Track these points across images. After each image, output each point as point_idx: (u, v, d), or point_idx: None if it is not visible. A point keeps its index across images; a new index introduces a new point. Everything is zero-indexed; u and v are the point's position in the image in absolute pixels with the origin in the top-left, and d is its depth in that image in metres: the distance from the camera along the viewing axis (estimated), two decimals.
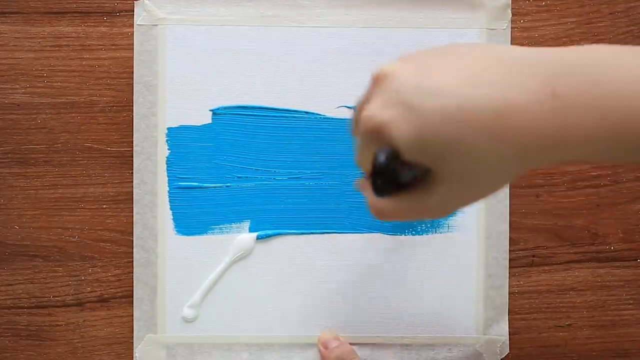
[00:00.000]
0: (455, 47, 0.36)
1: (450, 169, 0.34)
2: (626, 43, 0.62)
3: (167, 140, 0.60)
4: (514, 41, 0.61)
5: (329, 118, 0.61)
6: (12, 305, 0.62)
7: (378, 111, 0.35)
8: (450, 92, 0.33)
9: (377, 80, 0.36)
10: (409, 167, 0.35)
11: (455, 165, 0.34)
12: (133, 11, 0.61)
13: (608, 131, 0.31)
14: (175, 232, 0.61)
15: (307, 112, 0.61)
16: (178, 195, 0.61)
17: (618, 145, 0.32)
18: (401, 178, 0.36)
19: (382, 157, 0.35)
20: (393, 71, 0.35)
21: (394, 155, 0.35)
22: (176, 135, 0.61)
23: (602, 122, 0.31)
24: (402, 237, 0.61)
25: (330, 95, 0.61)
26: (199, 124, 0.61)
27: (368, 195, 0.40)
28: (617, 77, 0.32)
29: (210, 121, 0.61)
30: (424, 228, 0.61)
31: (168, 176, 0.61)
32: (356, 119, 0.39)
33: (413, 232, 0.61)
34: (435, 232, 0.61)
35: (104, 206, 0.62)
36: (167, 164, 0.61)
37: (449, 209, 0.38)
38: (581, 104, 0.31)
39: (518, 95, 0.32)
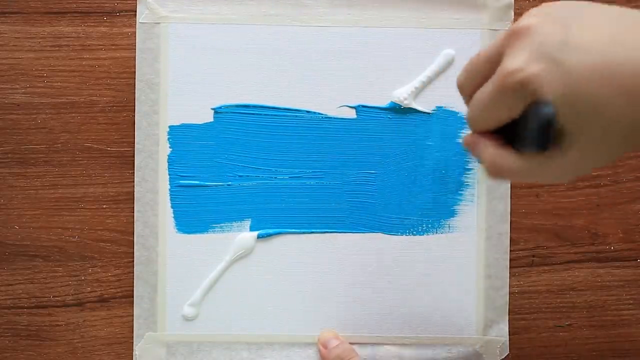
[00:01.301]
0: (586, 6, 0.36)
1: (587, 128, 0.34)
2: None
3: (168, 139, 0.60)
4: None
5: (330, 117, 0.61)
6: (12, 305, 0.62)
7: (524, 65, 0.34)
8: (597, 50, 0.33)
9: (515, 34, 0.35)
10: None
11: (593, 125, 0.34)
12: (133, 11, 0.61)
13: None
14: (176, 230, 0.61)
15: (308, 112, 0.61)
16: (179, 194, 0.61)
17: None
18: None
19: (550, 109, 0.33)
20: (535, 25, 0.35)
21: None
22: (178, 134, 0.61)
23: None
24: (403, 237, 0.61)
25: (332, 94, 0.61)
26: (200, 123, 0.61)
27: (488, 152, 0.39)
28: None
29: (212, 120, 0.61)
30: (424, 228, 0.61)
31: (169, 174, 0.61)
32: (483, 71, 0.38)
33: (413, 232, 0.61)
34: (436, 232, 0.61)
35: (104, 206, 0.62)
36: (168, 162, 0.61)
37: (575, 172, 0.37)
38: None
39: None
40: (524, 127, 0.36)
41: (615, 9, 0.36)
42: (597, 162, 0.37)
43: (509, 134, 0.38)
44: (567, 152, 0.35)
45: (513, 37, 0.36)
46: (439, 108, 0.61)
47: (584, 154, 0.35)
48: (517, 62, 0.34)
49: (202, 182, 0.61)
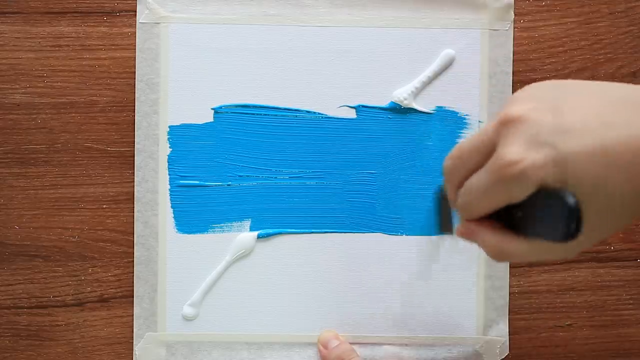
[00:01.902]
0: (567, 84, 0.37)
1: (592, 208, 0.34)
2: (626, 43, 0.62)
3: (168, 139, 0.60)
4: (515, 41, 0.61)
5: (330, 117, 0.61)
6: (12, 305, 0.62)
7: (521, 155, 0.34)
8: (589, 132, 0.33)
9: (506, 124, 0.36)
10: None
11: (594, 203, 0.34)
12: (133, 11, 0.61)
13: None
14: (176, 230, 0.61)
15: (308, 112, 0.61)
16: (179, 194, 0.61)
17: None
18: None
19: (572, 199, 0.33)
20: (524, 114, 0.35)
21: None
22: (178, 134, 0.61)
23: None
24: (403, 237, 0.61)
25: (332, 94, 0.61)
26: (200, 123, 0.61)
27: (489, 238, 0.39)
28: None
29: (212, 120, 0.61)
30: (424, 228, 0.61)
31: (169, 174, 0.61)
32: (465, 160, 0.39)
33: (413, 232, 0.61)
34: (437, 233, 0.61)
35: (104, 206, 0.62)
36: (168, 162, 0.61)
37: (580, 248, 0.38)
38: None
39: None
40: (532, 215, 0.36)
41: (596, 85, 0.36)
42: (602, 235, 0.37)
43: (504, 216, 0.38)
44: None
45: (505, 127, 0.36)
46: (439, 108, 0.61)
47: (591, 231, 0.35)
48: (515, 152, 0.35)
49: (202, 182, 0.61)
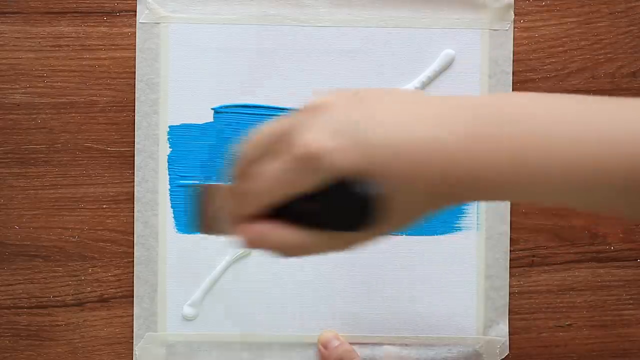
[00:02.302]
0: (377, 89, 0.38)
1: (387, 202, 0.34)
2: (626, 43, 0.62)
3: (168, 139, 0.61)
4: (515, 41, 0.61)
5: None
6: (12, 305, 0.62)
7: (321, 139, 0.34)
8: (390, 128, 0.34)
9: (312, 110, 0.35)
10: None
11: (386, 197, 0.34)
12: (133, 11, 0.61)
13: (522, 174, 0.33)
14: (176, 230, 0.61)
15: None
16: (179, 194, 0.61)
17: (533, 188, 0.34)
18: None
19: (367, 188, 0.33)
20: (331, 102, 0.35)
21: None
22: (178, 134, 0.61)
23: (516, 164, 0.33)
24: (403, 237, 0.61)
25: None
26: (200, 122, 0.61)
27: (275, 234, 0.37)
28: (529, 122, 0.34)
29: (211, 119, 0.61)
30: (424, 228, 0.61)
31: (169, 174, 0.61)
32: (274, 145, 0.37)
33: (413, 233, 0.61)
34: (436, 232, 0.61)
35: (104, 206, 0.62)
36: (168, 162, 0.61)
37: (371, 242, 0.38)
38: (498, 146, 0.33)
39: (446, 135, 0.33)
40: (327, 205, 0.35)
41: (411, 93, 0.38)
42: (398, 227, 0.37)
43: (287, 212, 0.37)
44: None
45: (309, 113, 0.35)
46: None
47: (382, 224, 0.35)
48: (312, 136, 0.34)
49: (202, 182, 0.61)
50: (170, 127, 0.60)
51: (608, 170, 0.33)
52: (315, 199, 0.35)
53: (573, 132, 0.33)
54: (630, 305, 0.63)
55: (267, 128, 0.37)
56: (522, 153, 0.33)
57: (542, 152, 0.33)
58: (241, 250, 0.61)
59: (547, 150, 0.33)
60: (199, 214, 0.47)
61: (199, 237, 0.61)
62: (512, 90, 0.61)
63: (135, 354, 0.61)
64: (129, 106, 0.61)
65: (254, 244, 0.38)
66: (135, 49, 0.60)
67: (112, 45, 0.62)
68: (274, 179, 0.36)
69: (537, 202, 0.37)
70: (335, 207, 0.35)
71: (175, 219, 0.61)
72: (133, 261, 0.61)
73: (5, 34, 0.61)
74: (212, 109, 0.61)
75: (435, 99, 0.36)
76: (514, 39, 0.61)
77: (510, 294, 0.62)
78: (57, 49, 0.61)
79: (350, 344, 0.61)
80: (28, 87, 0.61)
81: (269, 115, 0.61)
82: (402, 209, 0.35)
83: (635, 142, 0.32)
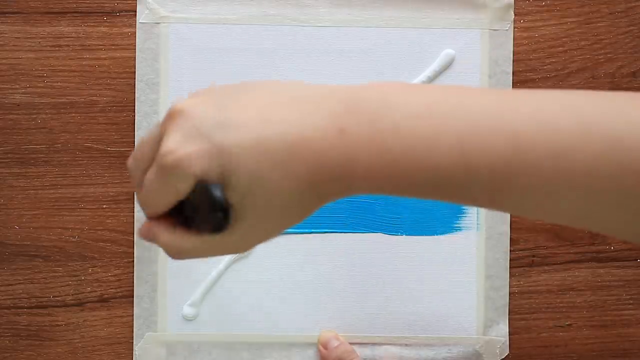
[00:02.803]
0: (248, 84, 0.37)
1: (250, 203, 0.34)
2: (626, 43, 0.62)
3: None
4: (515, 41, 0.61)
5: None
6: (12, 305, 0.62)
7: (178, 146, 0.34)
8: (248, 128, 0.33)
9: (171, 117, 0.35)
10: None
11: (254, 199, 0.34)
12: (133, 11, 0.61)
13: (387, 167, 0.33)
14: None
15: None
16: None
17: (399, 181, 0.34)
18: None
19: (218, 191, 0.34)
20: (188, 107, 0.35)
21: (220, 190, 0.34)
22: None
23: (381, 158, 0.33)
24: (403, 237, 0.61)
25: None
26: None
27: (166, 237, 0.38)
28: (394, 115, 0.33)
29: None
30: (424, 228, 0.61)
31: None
32: (144, 155, 0.37)
33: (413, 233, 0.61)
34: (436, 232, 0.61)
35: (104, 206, 0.62)
36: None
37: (252, 243, 0.38)
38: (363, 140, 0.33)
39: (310, 132, 0.33)
40: (195, 209, 0.36)
41: (275, 85, 0.37)
42: (269, 232, 0.37)
43: (182, 214, 0.38)
44: (237, 227, 0.35)
45: (169, 119, 0.35)
46: None
47: (256, 226, 0.36)
48: (171, 143, 0.34)
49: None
50: None
51: (466, 165, 0.33)
52: (190, 203, 0.36)
53: (427, 128, 0.33)
54: (630, 305, 0.63)
55: (142, 139, 0.38)
56: (385, 149, 0.33)
57: (402, 148, 0.33)
58: None
59: (405, 146, 0.33)
60: None
61: None
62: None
63: (135, 354, 0.61)
64: (129, 106, 0.61)
65: (145, 238, 0.39)
66: (135, 49, 0.60)
67: (112, 45, 0.62)
68: (151, 188, 0.36)
69: (421, 197, 0.37)
70: (201, 210, 0.35)
71: None
72: (133, 261, 0.61)
73: (5, 34, 0.61)
74: None
75: (307, 89, 0.36)
76: (514, 39, 0.61)
77: (510, 294, 0.62)
78: (57, 49, 0.61)
79: (350, 344, 0.61)
80: (28, 87, 0.61)
81: None
82: (269, 208, 0.35)
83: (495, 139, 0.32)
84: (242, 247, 0.38)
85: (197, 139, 0.33)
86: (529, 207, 0.34)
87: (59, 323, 0.62)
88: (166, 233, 0.38)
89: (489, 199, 0.35)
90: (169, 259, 0.60)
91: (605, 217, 0.33)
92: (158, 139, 0.36)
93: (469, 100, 0.34)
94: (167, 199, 0.36)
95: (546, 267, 0.63)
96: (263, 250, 0.61)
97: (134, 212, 0.61)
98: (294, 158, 0.33)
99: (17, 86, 0.61)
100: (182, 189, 0.34)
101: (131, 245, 0.61)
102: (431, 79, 0.61)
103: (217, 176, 0.33)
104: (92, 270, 0.62)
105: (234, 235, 0.36)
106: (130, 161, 0.39)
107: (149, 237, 0.39)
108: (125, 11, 0.61)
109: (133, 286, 0.61)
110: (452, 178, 0.33)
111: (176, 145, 0.34)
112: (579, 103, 0.33)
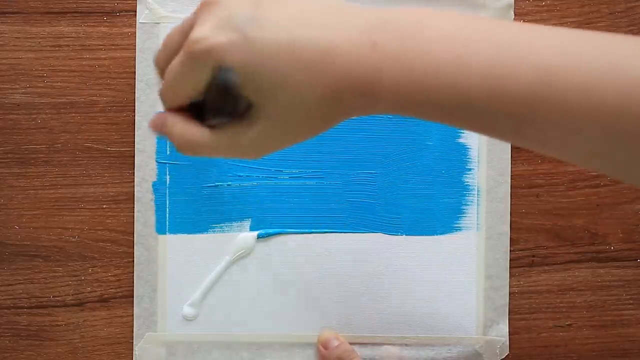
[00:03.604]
0: None
1: (272, 103, 0.35)
2: None
3: None
4: None
5: None
6: (12, 305, 0.62)
7: (209, 34, 0.34)
8: (282, 27, 0.34)
9: (206, 5, 0.36)
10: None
11: (278, 100, 0.34)
12: (133, 11, 0.61)
13: (413, 84, 0.33)
14: (176, 230, 0.61)
15: None
16: (179, 194, 0.61)
17: (423, 100, 0.34)
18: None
19: (230, 74, 0.34)
20: None
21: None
22: None
23: (408, 75, 0.33)
24: (403, 237, 0.61)
25: None
26: None
27: (179, 127, 0.38)
28: (425, 35, 0.33)
29: None
30: (424, 228, 0.61)
31: (169, 174, 0.61)
32: (175, 42, 0.38)
33: (413, 233, 0.61)
34: (436, 232, 0.61)
35: (104, 206, 0.62)
36: (168, 161, 0.61)
37: (265, 149, 0.38)
38: (393, 55, 0.33)
39: (343, 41, 0.34)
40: (212, 101, 0.36)
41: None
42: (285, 138, 0.38)
43: (201, 111, 0.38)
44: (255, 125, 0.36)
45: (203, 8, 0.36)
46: None
47: (273, 130, 0.36)
48: (203, 31, 0.35)
49: (202, 182, 0.61)
50: None
51: (493, 94, 0.33)
52: (208, 94, 0.36)
53: (455, 51, 0.33)
54: (630, 305, 0.63)
55: (173, 29, 0.38)
56: (413, 66, 0.33)
57: (429, 67, 0.33)
58: (240, 250, 0.61)
59: (433, 65, 0.33)
60: None
61: (199, 237, 0.61)
62: None
63: (135, 354, 0.61)
64: (129, 106, 0.61)
65: (156, 128, 0.39)
66: (135, 49, 0.60)
67: (112, 45, 0.61)
68: (173, 75, 0.37)
69: (444, 121, 0.37)
70: (217, 100, 0.36)
71: (175, 219, 0.61)
72: (133, 261, 0.61)
73: (5, 34, 0.61)
74: None
75: (338, 3, 0.36)
76: None
77: (510, 294, 0.62)
78: (57, 49, 0.61)
79: (350, 344, 0.61)
80: (28, 87, 0.61)
81: None
82: (290, 111, 0.35)
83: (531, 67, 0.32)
84: (254, 150, 0.38)
85: (230, 30, 0.34)
86: (551, 142, 0.34)
87: (59, 323, 0.62)
88: (180, 124, 0.38)
89: (513, 130, 0.34)
90: (169, 258, 0.60)
91: (623, 159, 0.33)
92: (189, 28, 0.36)
93: (499, 28, 0.34)
94: (189, 88, 0.36)
95: (546, 267, 0.63)
96: (263, 250, 0.61)
97: (134, 212, 0.61)
98: (323, 64, 0.34)
99: (17, 86, 0.61)
100: (202, 77, 0.35)
101: (131, 245, 0.61)
102: None
103: (243, 69, 0.34)
104: (92, 270, 0.62)
105: (247, 134, 0.36)
106: (158, 50, 0.39)
107: (161, 126, 0.39)
108: (125, 11, 0.61)
109: (133, 286, 0.61)
110: (476, 103, 0.33)
111: (207, 33, 0.34)
112: (609, 42, 0.33)
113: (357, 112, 0.36)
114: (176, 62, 0.36)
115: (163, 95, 0.38)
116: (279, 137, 0.37)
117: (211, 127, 0.37)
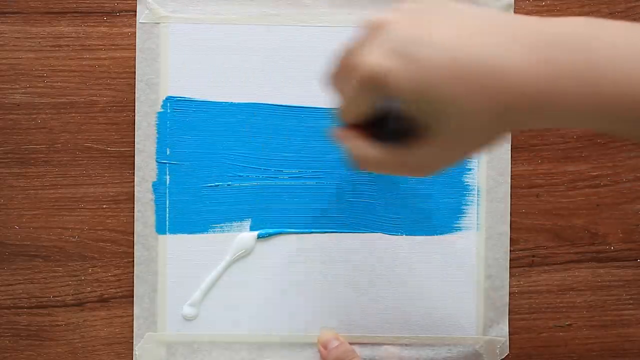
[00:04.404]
0: (448, 5, 0.37)
1: (443, 124, 0.35)
2: None
3: None
4: None
5: (330, 117, 0.61)
6: (12, 305, 0.62)
7: (378, 59, 0.35)
8: (450, 47, 0.34)
9: (373, 28, 0.36)
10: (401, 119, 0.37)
11: (448, 120, 0.35)
12: (133, 11, 0.61)
13: (599, 101, 0.34)
14: (176, 230, 0.61)
15: (309, 112, 0.61)
16: (179, 194, 0.61)
17: (606, 115, 0.34)
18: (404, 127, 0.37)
19: (401, 100, 0.35)
20: (392, 21, 0.36)
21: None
22: None
23: (594, 92, 0.33)
24: (403, 237, 0.61)
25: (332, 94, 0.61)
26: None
27: (353, 144, 0.40)
28: (611, 51, 0.33)
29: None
30: (424, 228, 0.61)
31: (169, 174, 0.61)
32: (345, 66, 0.39)
33: (413, 233, 0.61)
34: (436, 232, 0.61)
35: (104, 206, 0.62)
36: (168, 161, 0.61)
37: (433, 167, 0.39)
38: (573, 73, 0.33)
39: (512, 57, 0.34)
40: (385, 121, 0.38)
41: (477, 10, 0.37)
42: (453, 156, 0.38)
43: (377, 128, 0.40)
44: (424, 144, 0.37)
45: (373, 32, 0.36)
46: None
47: (441, 147, 0.37)
48: (371, 57, 0.35)
49: (202, 182, 0.61)
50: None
51: None
52: (381, 115, 0.38)
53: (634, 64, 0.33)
54: (630, 305, 0.63)
55: (340, 50, 0.39)
56: (593, 80, 0.33)
57: (609, 81, 0.33)
58: (240, 250, 0.61)
59: (620, 78, 0.33)
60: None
61: (199, 237, 0.61)
62: None
63: (135, 354, 0.61)
64: (129, 106, 0.61)
65: (339, 141, 0.42)
66: (135, 49, 0.60)
67: (112, 45, 0.61)
68: (349, 99, 0.39)
69: (600, 129, 0.37)
70: (390, 121, 0.38)
71: (175, 219, 0.61)
72: (133, 261, 0.61)
73: (5, 34, 0.61)
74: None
75: (500, 17, 0.36)
76: None
77: (510, 294, 0.62)
78: (57, 49, 0.61)
79: (350, 344, 0.61)
80: (28, 87, 0.61)
81: (269, 115, 0.61)
82: (460, 130, 0.35)
83: None
84: (423, 168, 0.39)
85: (397, 54, 0.34)
86: None
87: (59, 323, 0.62)
88: (355, 140, 0.40)
89: None
90: (169, 258, 0.60)
91: None
92: (357, 50, 0.37)
93: None
94: (361, 110, 0.38)
95: (546, 267, 0.63)
96: (263, 250, 0.61)
97: (134, 212, 0.61)
98: (493, 82, 0.34)
99: (17, 86, 0.61)
100: (375, 101, 0.36)
101: (131, 245, 0.61)
102: None
103: (412, 92, 0.34)
104: (92, 270, 0.62)
105: (416, 153, 0.37)
106: (331, 69, 0.41)
107: (340, 140, 0.42)
108: (125, 11, 0.61)
109: (133, 286, 0.61)
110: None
111: (376, 58, 0.35)
112: None
113: (522, 126, 0.37)
114: (349, 84, 0.38)
115: (340, 112, 0.41)
116: (447, 156, 0.38)
117: (383, 145, 0.39)
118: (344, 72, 0.39)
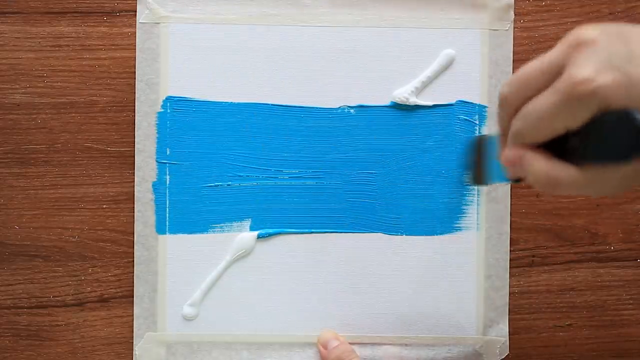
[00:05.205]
0: (630, 26, 0.38)
1: None
2: None
3: None
4: (515, 41, 0.61)
5: (330, 118, 0.61)
6: (12, 305, 0.62)
7: (593, 75, 0.35)
8: None
9: (581, 45, 0.36)
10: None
11: None
12: (133, 11, 0.61)
13: None
14: (176, 230, 0.61)
15: (308, 112, 0.61)
16: (179, 194, 0.61)
17: None
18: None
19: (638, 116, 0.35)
20: (596, 38, 0.36)
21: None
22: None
23: None
24: (402, 237, 0.61)
25: (332, 94, 0.61)
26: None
27: (541, 163, 0.39)
28: None
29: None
30: (424, 228, 0.61)
31: (169, 174, 0.61)
32: (528, 83, 0.39)
33: (413, 233, 0.61)
34: (436, 232, 0.61)
35: (104, 206, 0.62)
36: (168, 161, 0.61)
37: (631, 185, 0.39)
38: None
39: None
40: (601, 139, 0.37)
41: None
42: None
43: (555, 147, 0.39)
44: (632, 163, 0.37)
45: (576, 49, 0.36)
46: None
47: None
48: (587, 72, 0.35)
49: (202, 182, 0.61)
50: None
51: None
52: (580, 134, 0.37)
53: None
54: (630, 305, 0.63)
55: (530, 68, 0.39)
56: None
57: None
58: (240, 250, 0.61)
59: None
60: (472, 167, 0.50)
61: (199, 237, 0.61)
62: None
63: (135, 354, 0.61)
64: (129, 106, 0.61)
65: (511, 163, 0.41)
66: (135, 49, 0.60)
67: (112, 45, 0.62)
68: (544, 117, 0.38)
69: None
70: (601, 139, 0.36)
71: (175, 219, 0.61)
72: (133, 261, 0.61)
73: (5, 34, 0.61)
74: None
75: None
76: (514, 39, 0.61)
77: (510, 294, 0.62)
78: (57, 49, 0.61)
79: (350, 344, 0.61)
80: (28, 87, 0.61)
81: (269, 115, 0.61)
82: None
83: None
84: (622, 187, 0.39)
85: (613, 70, 0.35)
86: None
87: (59, 323, 0.62)
88: (542, 161, 0.39)
89: None
90: (169, 258, 0.60)
91: None
92: (556, 67, 0.37)
93: None
94: (560, 126, 0.37)
95: (546, 267, 0.63)
96: (263, 250, 0.61)
97: (134, 212, 0.61)
98: None
99: (17, 86, 0.61)
100: (582, 116, 0.36)
101: (131, 245, 0.61)
102: (431, 79, 0.61)
103: (625, 107, 0.35)
104: (92, 270, 0.62)
105: (620, 172, 0.37)
106: (507, 88, 0.40)
107: (517, 163, 0.40)
108: (125, 11, 0.61)
109: (133, 286, 0.61)
110: None
111: (593, 74, 0.35)
112: None
113: None
114: (547, 101, 0.37)
115: (521, 133, 0.39)
116: None
117: (579, 165, 0.38)
118: (533, 88, 0.39)
